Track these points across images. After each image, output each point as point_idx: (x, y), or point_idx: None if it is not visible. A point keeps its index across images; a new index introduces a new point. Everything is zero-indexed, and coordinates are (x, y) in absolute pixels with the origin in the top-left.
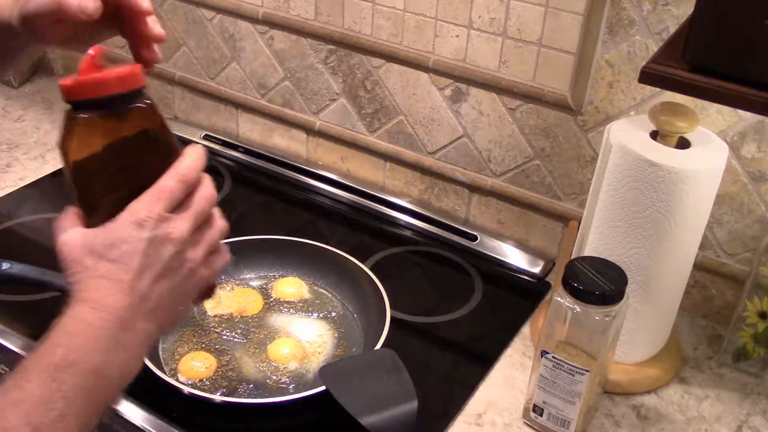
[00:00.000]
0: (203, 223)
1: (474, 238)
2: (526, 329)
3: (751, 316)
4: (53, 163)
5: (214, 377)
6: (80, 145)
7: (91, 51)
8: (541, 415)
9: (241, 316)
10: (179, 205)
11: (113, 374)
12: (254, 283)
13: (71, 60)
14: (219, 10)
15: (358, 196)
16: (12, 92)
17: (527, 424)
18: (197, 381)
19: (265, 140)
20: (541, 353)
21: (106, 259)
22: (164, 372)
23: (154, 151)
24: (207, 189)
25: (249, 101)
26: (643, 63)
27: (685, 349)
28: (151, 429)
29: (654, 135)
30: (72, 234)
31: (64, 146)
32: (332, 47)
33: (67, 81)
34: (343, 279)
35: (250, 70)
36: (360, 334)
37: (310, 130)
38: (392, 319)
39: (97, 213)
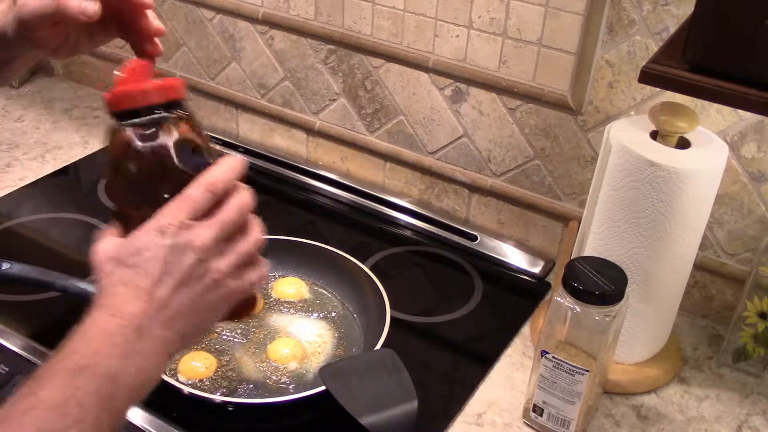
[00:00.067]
0: (234, 233)
1: (474, 238)
2: (526, 329)
3: (751, 316)
4: (53, 163)
5: (214, 377)
6: (113, 154)
7: (129, 63)
8: (541, 415)
9: None
10: (207, 214)
11: (129, 381)
12: None
13: (71, 60)
14: (219, 10)
15: (358, 196)
16: (12, 92)
17: (527, 424)
18: (197, 381)
19: (265, 140)
20: (541, 353)
21: (126, 265)
22: (164, 372)
23: (187, 161)
24: (239, 199)
25: (249, 101)
26: (643, 63)
27: (685, 349)
28: (151, 429)
29: (654, 135)
30: (104, 243)
31: (105, 155)
32: (332, 47)
33: (108, 92)
34: (343, 279)
35: (250, 70)
36: (360, 334)
37: (310, 130)
38: (392, 319)
39: (131, 223)
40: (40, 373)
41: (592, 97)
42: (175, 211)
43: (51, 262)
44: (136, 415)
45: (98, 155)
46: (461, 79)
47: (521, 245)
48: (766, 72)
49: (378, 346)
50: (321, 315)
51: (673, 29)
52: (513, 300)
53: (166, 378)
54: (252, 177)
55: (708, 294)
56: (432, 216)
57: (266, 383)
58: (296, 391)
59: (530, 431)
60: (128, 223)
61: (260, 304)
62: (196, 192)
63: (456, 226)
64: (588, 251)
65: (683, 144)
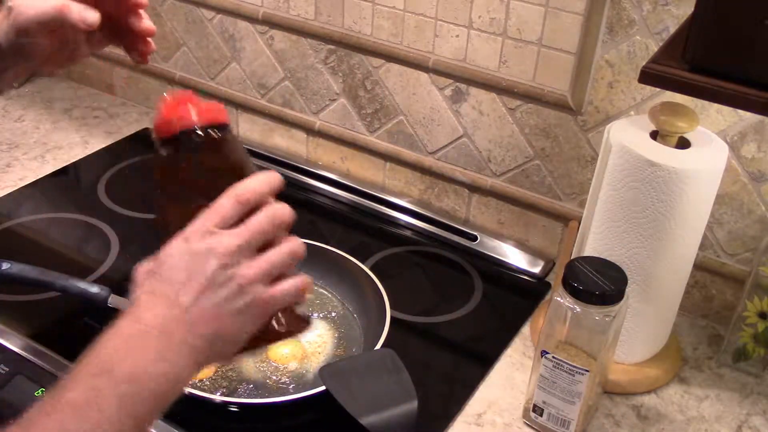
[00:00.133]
0: (265, 244)
1: (474, 238)
2: (526, 329)
3: (751, 316)
4: (53, 163)
5: (214, 377)
6: (157, 177)
7: (167, 95)
8: (541, 415)
9: None
10: (237, 224)
11: (152, 386)
12: None
13: None
14: (219, 10)
15: (358, 196)
16: (12, 92)
17: (527, 424)
18: (197, 381)
19: (265, 140)
20: (541, 353)
21: (155, 275)
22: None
23: (223, 179)
24: (270, 210)
25: (249, 101)
26: (643, 63)
27: (685, 349)
28: (150, 429)
29: (654, 135)
30: (146, 260)
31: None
32: (332, 47)
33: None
34: (343, 279)
35: (250, 70)
36: (360, 334)
37: (310, 130)
38: (392, 319)
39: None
40: (63, 380)
41: (592, 97)
42: (202, 220)
43: (51, 262)
44: None
45: (98, 155)
46: (461, 79)
47: (521, 245)
48: (766, 72)
49: (378, 346)
50: (321, 315)
51: (673, 29)
52: (513, 300)
53: None
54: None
55: (708, 294)
56: (432, 216)
57: (266, 383)
58: (296, 391)
59: (530, 431)
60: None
61: (307, 326)
62: (225, 202)
63: (456, 226)
64: (588, 251)
65: (683, 144)
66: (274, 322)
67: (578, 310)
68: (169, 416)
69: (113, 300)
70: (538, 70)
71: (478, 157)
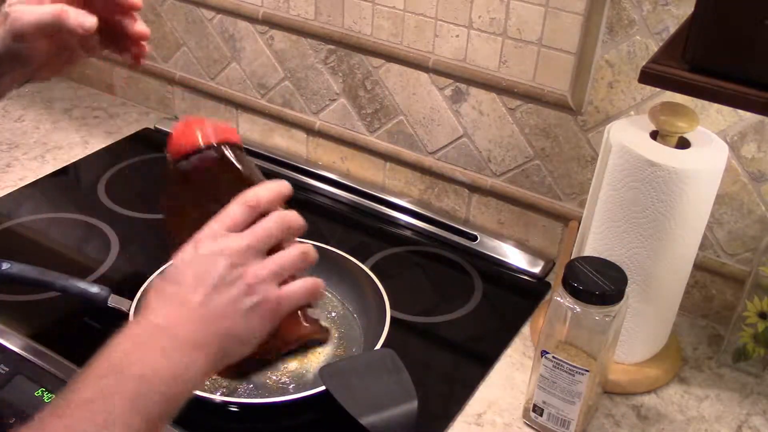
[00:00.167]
0: (275, 246)
1: (474, 238)
2: (526, 329)
3: (751, 316)
4: (53, 163)
5: (214, 377)
6: (170, 192)
7: (181, 120)
8: (541, 415)
9: None
10: (245, 229)
11: (161, 386)
12: None
13: None
14: (219, 10)
15: (358, 196)
16: (12, 92)
17: (527, 424)
18: None
19: (265, 140)
20: (541, 353)
21: (168, 280)
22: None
23: (234, 193)
24: (279, 215)
25: (249, 101)
26: (643, 63)
27: (685, 349)
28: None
29: (654, 135)
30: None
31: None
32: (332, 47)
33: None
34: (343, 279)
35: (250, 70)
36: (360, 334)
37: (310, 130)
38: (392, 319)
39: None
40: (73, 382)
41: (592, 97)
42: (212, 225)
43: (51, 262)
44: None
45: (98, 155)
46: (461, 79)
47: (521, 245)
48: (766, 72)
49: (378, 346)
50: (321, 315)
51: (673, 29)
52: (513, 300)
53: None
54: None
55: (708, 294)
56: (432, 216)
57: (266, 383)
58: (296, 391)
59: (530, 431)
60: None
61: (323, 333)
62: (234, 207)
63: (456, 226)
64: (588, 251)
65: (683, 144)
66: (290, 329)
67: (578, 310)
68: None
69: (113, 300)
70: (538, 70)
71: (478, 157)
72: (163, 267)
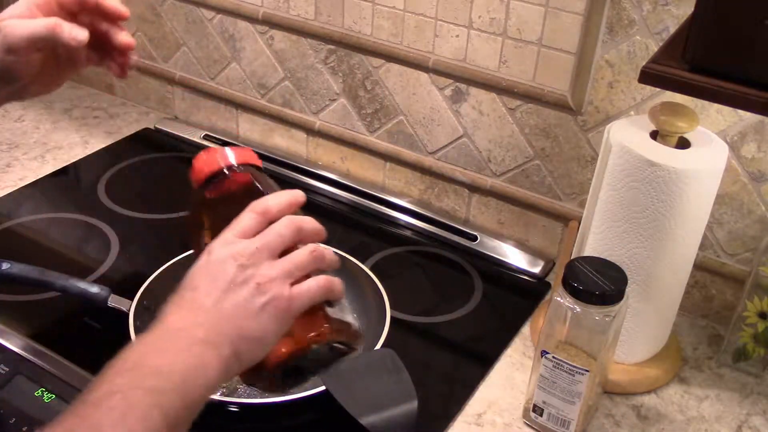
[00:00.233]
0: (287, 249)
1: (474, 238)
2: (526, 329)
3: (751, 316)
4: (53, 163)
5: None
6: (191, 214)
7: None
8: (541, 415)
9: None
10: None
11: (177, 379)
12: None
13: None
14: (219, 10)
15: (358, 196)
16: None
17: (527, 424)
18: None
19: (265, 140)
20: (541, 353)
21: (183, 287)
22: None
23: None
24: (289, 218)
25: (249, 101)
26: (643, 63)
27: (685, 349)
28: None
29: (654, 135)
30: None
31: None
32: (332, 47)
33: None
34: (343, 279)
35: (250, 70)
36: None
37: (310, 130)
38: (392, 319)
39: None
40: (90, 384)
41: (592, 97)
42: (224, 233)
43: (51, 262)
44: None
45: (98, 155)
46: (461, 79)
47: (521, 245)
48: (766, 72)
49: (378, 346)
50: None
51: (673, 29)
52: (513, 300)
53: None
54: None
55: (708, 294)
56: (432, 216)
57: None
58: (296, 391)
59: (530, 431)
60: None
61: (350, 335)
62: (245, 215)
63: (456, 226)
64: (588, 251)
65: (683, 144)
66: (308, 328)
67: (578, 310)
68: None
69: (113, 300)
70: (538, 70)
71: (478, 157)
72: (163, 267)
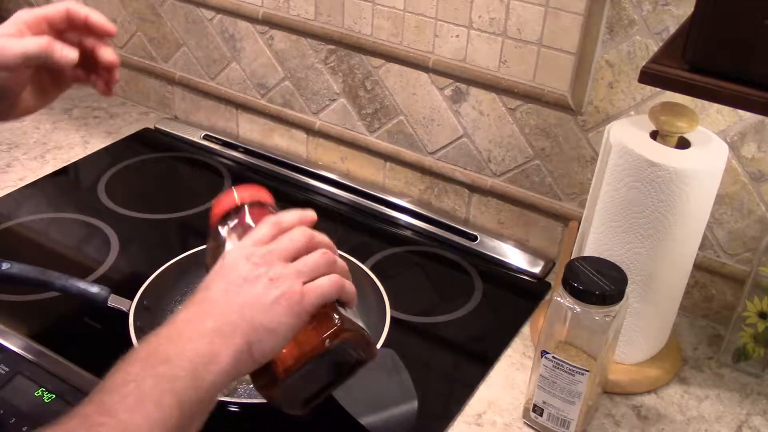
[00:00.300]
0: (300, 253)
1: (474, 238)
2: (526, 329)
3: (751, 316)
4: (53, 163)
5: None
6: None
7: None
8: (541, 415)
9: None
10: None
11: (187, 366)
12: None
13: None
14: (219, 10)
15: (358, 196)
16: None
17: (527, 424)
18: None
19: (265, 140)
20: (541, 353)
21: (199, 288)
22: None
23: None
24: (301, 227)
25: (249, 101)
26: (643, 63)
27: (685, 349)
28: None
29: (654, 135)
30: None
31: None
32: (332, 47)
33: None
34: None
35: (250, 70)
36: None
37: (310, 130)
38: (392, 319)
39: None
40: (107, 374)
41: (592, 97)
42: (241, 242)
43: (51, 262)
44: None
45: (98, 155)
46: (461, 79)
47: (521, 245)
48: (766, 72)
49: (378, 346)
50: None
51: (673, 29)
52: (513, 300)
53: None
54: (252, 177)
55: (708, 294)
56: (432, 216)
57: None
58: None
59: (530, 431)
60: None
61: (363, 341)
62: (259, 227)
63: (456, 226)
64: (588, 251)
65: (683, 144)
66: (321, 327)
67: (578, 310)
68: None
69: (113, 300)
70: (538, 70)
71: (478, 157)
72: (163, 267)
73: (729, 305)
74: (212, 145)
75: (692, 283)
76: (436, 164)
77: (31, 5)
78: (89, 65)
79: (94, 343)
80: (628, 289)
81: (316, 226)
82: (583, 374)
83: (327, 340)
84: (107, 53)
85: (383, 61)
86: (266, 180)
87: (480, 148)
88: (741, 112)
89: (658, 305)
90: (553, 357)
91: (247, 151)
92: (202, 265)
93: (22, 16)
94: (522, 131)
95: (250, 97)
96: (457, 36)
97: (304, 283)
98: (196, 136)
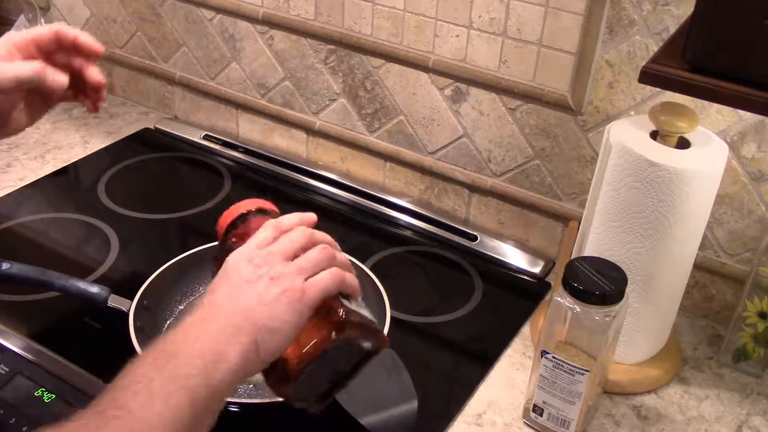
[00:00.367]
0: (299, 253)
1: (474, 238)
2: (526, 329)
3: (751, 316)
4: (53, 163)
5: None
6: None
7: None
8: (541, 415)
9: None
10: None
11: (196, 362)
12: None
13: None
14: (219, 10)
15: (358, 196)
16: None
17: (527, 424)
18: None
19: (265, 140)
20: (541, 353)
21: (203, 295)
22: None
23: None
24: (301, 227)
25: (249, 101)
26: (643, 63)
27: (685, 349)
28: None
29: (654, 135)
30: None
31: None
32: (332, 47)
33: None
34: None
35: (250, 70)
36: None
37: (310, 130)
38: (392, 319)
39: None
40: (117, 377)
41: (592, 97)
42: (244, 245)
43: (51, 262)
44: None
45: (98, 155)
46: (461, 79)
47: (521, 245)
48: (766, 72)
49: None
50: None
51: (673, 29)
52: (513, 300)
53: None
54: (252, 177)
55: (708, 294)
56: (432, 216)
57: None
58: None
59: (530, 431)
60: None
61: (371, 333)
62: (260, 231)
63: (456, 226)
64: (588, 251)
65: (683, 144)
66: (326, 319)
67: (578, 310)
68: None
69: (113, 300)
70: (538, 70)
71: (478, 157)
72: (163, 267)
73: (729, 305)
74: (212, 145)
75: (692, 283)
76: (436, 164)
77: (31, 5)
78: (77, 85)
79: (94, 343)
80: (628, 289)
81: (316, 227)
82: (583, 374)
83: (333, 333)
84: (94, 74)
85: (383, 61)
86: (266, 180)
87: (480, 148)
88: (741, 112)
89: (658, 305)
90: (553, 357)
91: (247, 151)
92: (202, 265)
93: (12, 38)
94: (522, 131)
95: (250, 97)
96: (457, 36)
97: (306, 279)
98: (196, 136)
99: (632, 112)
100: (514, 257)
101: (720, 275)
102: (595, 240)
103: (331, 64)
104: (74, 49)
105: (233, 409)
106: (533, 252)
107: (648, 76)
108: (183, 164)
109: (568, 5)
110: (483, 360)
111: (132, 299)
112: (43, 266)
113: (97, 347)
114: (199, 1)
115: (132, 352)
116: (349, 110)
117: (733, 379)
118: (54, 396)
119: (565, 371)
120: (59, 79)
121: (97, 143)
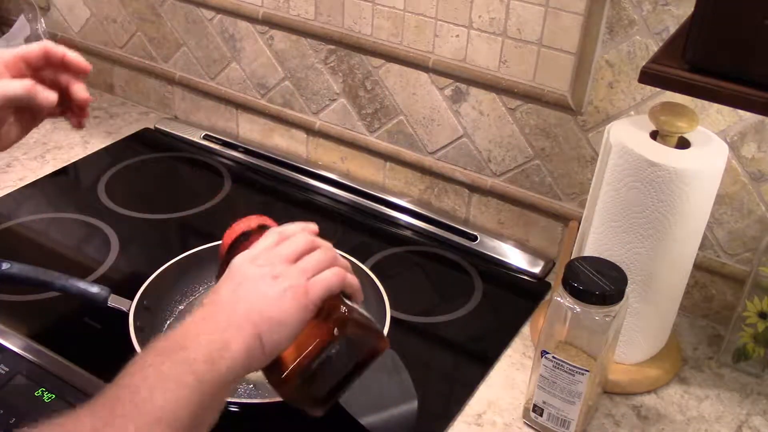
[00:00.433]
0: (302, 255)
1: (474, 238)
2: (526, 329)
3: (751, 316)
4: (53, 163)
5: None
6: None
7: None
8: (541, 415)
9: None
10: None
11: (202, 350)
12: None
13: None
14: (219, 10)
15: (358, 196)
16: None
17: (527, 424)
18: None
19: (265, 140)
20: (541, 353)
21: (206, 296)
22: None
23: None
24: (303, 233)
25: (249, 101)
26: (643, 63)
27: (685, 349)
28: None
29: (654, 135)
30: None
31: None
32: (332, 47)
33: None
34: None
35: (250, 70)
36: None
37: (310, 130)
38: (392, 319)
39: None
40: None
41: (592, 97)
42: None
43: (51, 262)
44: None
45: (98, 155)
46: (461, 79)
47: (521, 245)
48: (766, 72)
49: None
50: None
51: (673, 29)
52: (513, 300)
53: None
54: (252, 177)
55: (708, 294)
56: (432, 216)
57: (266, 383)
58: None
59: (530, 431)
60: None
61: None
62: (264, 237)
63: (456, 226)
64: (588, 251)
65: (683, 144)
66: (329, 317)
67: (578, 310)
68: None
69: (113, 300)
70: (538, 70)
71: (478, 157)
72: (163, 267)
73: (729, 305)
74: (212, 145)
75: (692, 283)
76: (436, 164)
77: (31, 5)
78: (63, 101)
79: (94, 343)
80: (628, 289)
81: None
82: (583, 374)
83: (335, 330)
84: (81, 91)
85: (383, 61)
86: (266, 180)
87: (480, 148)
88: (741, 112)
89: (658, 305)
90: (553, 357)
91: (247, 151)
92: (202, 265)
93: (0, 55)
94: (522, 131)
95: (250, 97)
96: (457, 36)
97: (309, 279)
98: (196, 136)
99: (632, 112)
100: (514, 257)
101: (720, 275)
102: (595, 240)
103: (331, 64)
104: (62, 66)
105: (233, 409)
106: (533, 252)
107: (648, 76)
108: (183, 164)
109: (568, 5)
110: (483, 360)
111: (132, 299)
112: (43, 266)
113: (97, 347)
114: (199, 1)
115: (132, 352)
116: (349, 110)
117: (733, 379)
118: (54, 396)
119: (565, 371)
120: (49, 96)
121: (97, 143)
